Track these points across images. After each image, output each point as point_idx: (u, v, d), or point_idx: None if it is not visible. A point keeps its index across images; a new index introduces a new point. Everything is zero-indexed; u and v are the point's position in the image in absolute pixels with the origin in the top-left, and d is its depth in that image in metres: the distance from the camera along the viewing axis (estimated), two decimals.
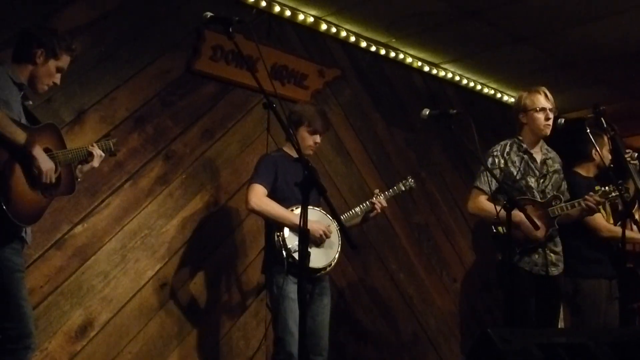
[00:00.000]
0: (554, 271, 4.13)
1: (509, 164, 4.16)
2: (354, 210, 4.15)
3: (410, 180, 4.40)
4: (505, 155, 4.18)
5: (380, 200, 4.16)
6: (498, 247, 4.12)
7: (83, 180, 3.55)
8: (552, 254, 4.13)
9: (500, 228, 4.02)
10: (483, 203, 4.12)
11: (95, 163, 3.40)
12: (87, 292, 3.99)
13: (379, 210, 4.18)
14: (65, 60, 3.28)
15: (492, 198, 4.09)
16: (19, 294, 3.06)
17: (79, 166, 3.39)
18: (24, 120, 3.16)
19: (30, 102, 3.30)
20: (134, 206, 4.23)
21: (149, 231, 4.27)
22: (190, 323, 4.40)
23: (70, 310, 3.92)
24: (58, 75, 3.28)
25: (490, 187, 4.08)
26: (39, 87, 3.26)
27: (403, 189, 4.41)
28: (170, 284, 4.34)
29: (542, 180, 4.19)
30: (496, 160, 4.17)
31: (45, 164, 3.05)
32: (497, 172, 4.12)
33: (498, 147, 4.23)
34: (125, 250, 4.17)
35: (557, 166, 4.30)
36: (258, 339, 4.58)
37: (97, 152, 3.39)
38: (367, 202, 4.17)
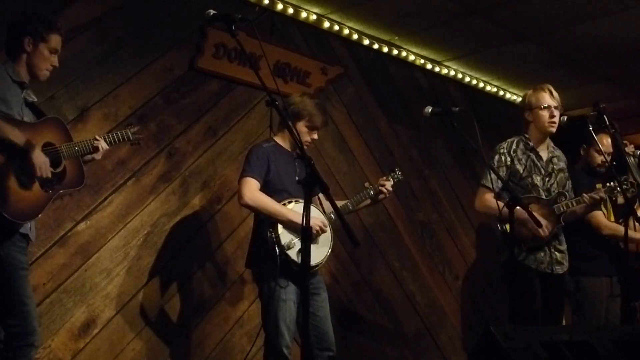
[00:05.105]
0: (559, 270, 4.13)
1: (516, 162, 4.16)
2: (346, 202, 4.07)
3: (398, 173, 4.32)
4: (512, 152, 4.18)
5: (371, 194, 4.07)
6: (505, 244, 4.11)
7: (86, 178, 3.54)
8: (557, 252, 4.13)
9: (506, 226, 4.00)
10: (488, 201, 4.12)
11: (98, 156, 3.36)
12: (90, 289, 4.00)
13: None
14: (55, 40, 3.25)
15: (498, 196, 4.09)
16: (23, 292, 3.07)
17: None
18: (26, 118, 3.16)
19: (35, 99, 3.29)
20: (137, 204, 4.24)
21: (151, 229, 4.27)
22: (193, 320, 4.41)
23: (73, 307, 3.93)
24: (54, 57, 3.26)
25: (496, 185, 4.08)
26: (39, 74, 3.24)
27: (392, 181, 4.37)
28: (173, 282, 4.35)
29: (547, 179, 4.19)
30: (502, 157, 4.18)
31: (38, 158, 3.01)
32: (503, 169, 4.14)
33: (505, 145, 4.23)
34: (128, 248, 4.17)
35: (562, 165, 4.31)
36: (260, 336, 4.58)
37: (103, 145, 3.34)
38: (358, 196, 4.07)
